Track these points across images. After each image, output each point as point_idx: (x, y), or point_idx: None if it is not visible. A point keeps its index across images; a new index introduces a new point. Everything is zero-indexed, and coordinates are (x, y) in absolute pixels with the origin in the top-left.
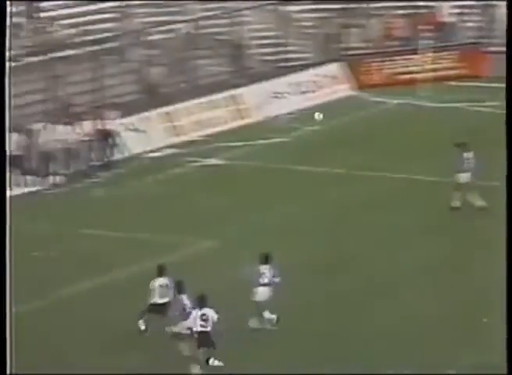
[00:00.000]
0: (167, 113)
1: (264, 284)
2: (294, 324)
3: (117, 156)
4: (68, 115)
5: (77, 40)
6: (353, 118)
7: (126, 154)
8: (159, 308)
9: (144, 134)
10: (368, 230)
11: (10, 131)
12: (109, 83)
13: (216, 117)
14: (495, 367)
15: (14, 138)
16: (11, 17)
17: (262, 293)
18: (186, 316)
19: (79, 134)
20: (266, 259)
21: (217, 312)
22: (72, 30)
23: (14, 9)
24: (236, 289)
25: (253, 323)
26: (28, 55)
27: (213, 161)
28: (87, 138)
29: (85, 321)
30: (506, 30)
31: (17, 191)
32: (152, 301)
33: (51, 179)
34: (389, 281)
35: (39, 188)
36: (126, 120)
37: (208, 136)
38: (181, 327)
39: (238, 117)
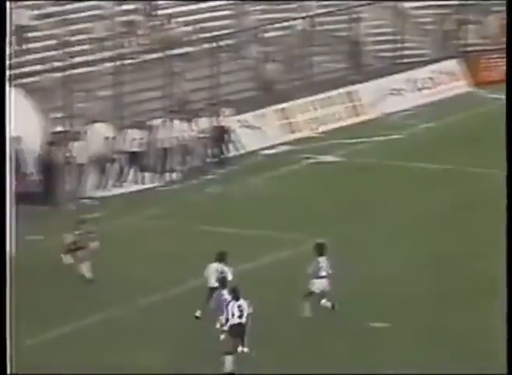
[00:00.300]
0: (282, 110)
1: (322, 276)
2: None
3: (232, 153)
4: (185, 112)
5: (194, 37)
6: (469, 115)
7: (241, 151)
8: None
9: (259, 131)
10: (482, 227)
11: (127, 128)
12: (225, 80)
13: (331, 114)
14: None
15: (134, 135)
16: (11, 17)
17: (320, 284)
18: (222, 311)
19: (195, 131)
20: (322, 251)
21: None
22: (189, 28)
23: (131, 7)
24: (347, 286)
25: (307, 312)
26: (146, 52)
27: (328, 158)
28: (202, 135)
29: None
30: (506, 30)
31: (135, 187)
32: (209, 286)
33: (167, 175)
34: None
35: (156, 185)
36: (242, 117)
37: (323, 133)
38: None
39: (353, 114)
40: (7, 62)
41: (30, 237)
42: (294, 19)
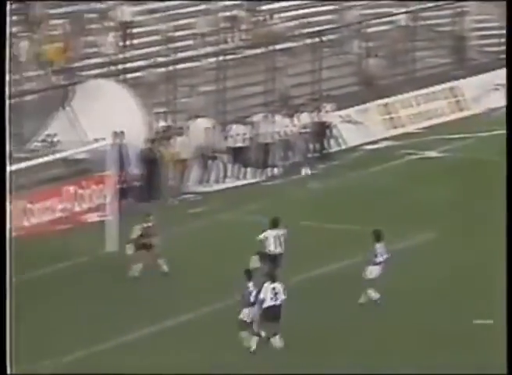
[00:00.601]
0: (385, 105)
1: (378, 263)
2: None
3: (334, 148)
4: (287, 107)
5: (296, 32)
6: None
7: (343, 146)
8: (274, 258)
9: (361, 126)
10: None
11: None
12: (327, 75)
13: (434, 109)
14: None
15: (237, 130)
16: (11, 17)
17: (374, 271)
18: (247, 303)
19: (297, 126)
20: (379, 237)
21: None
22: (292, 23)
23: (234, 3)
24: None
25: (362, 299)
26: (248, 47)
27: (431, 153)
28: (304, 130)
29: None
30: (506, 31)
31: (237, 182)
32: (267, 250)
33: (269, 171)
34: None
35: (257, 180)
36: (344, 112)
37: (425, 128)
38: (244, 314)
39: (457, 109)
40: (111, 58)
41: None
42: (397, 13)
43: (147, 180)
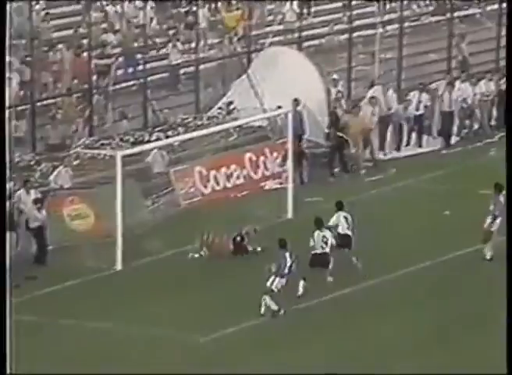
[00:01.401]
0: None
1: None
2: None
3: None
4: (468, 74)
5: None
6: None
7: None
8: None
9: None
10: None
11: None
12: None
13: None
14: None
15: (418, 97)
16: (11, 16)
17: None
18: (280, 274)
19: (478, 94)
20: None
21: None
22: None
23: None
24: None
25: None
26: (430, 14)
27: None
28: (486, 98)
29: None
30: (506, 31)
31: (417, 150)
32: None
33: (450, 139)
34: None
35: (438, 148)
36: None
37: None
38: (274, 283)
39: None
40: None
41: (309, 199)
42: None
43: (332, 149)
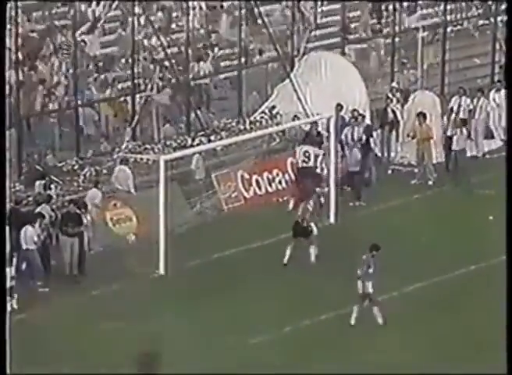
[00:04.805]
0: None
1: None
2: None
3: None
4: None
5: None
6: None
7: None
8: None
9: None
10: None
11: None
12: None
13: None
14: None
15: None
16: (10, 17)
17: None
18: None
19: None
20: None
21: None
22: None
23: None
24: None
25: None
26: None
27: None
28: None
29: None
30: (506, 31)
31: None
32: None
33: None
34: None
35: (487, 150)
36: None
37: None
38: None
39: None
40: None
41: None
42: None
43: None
